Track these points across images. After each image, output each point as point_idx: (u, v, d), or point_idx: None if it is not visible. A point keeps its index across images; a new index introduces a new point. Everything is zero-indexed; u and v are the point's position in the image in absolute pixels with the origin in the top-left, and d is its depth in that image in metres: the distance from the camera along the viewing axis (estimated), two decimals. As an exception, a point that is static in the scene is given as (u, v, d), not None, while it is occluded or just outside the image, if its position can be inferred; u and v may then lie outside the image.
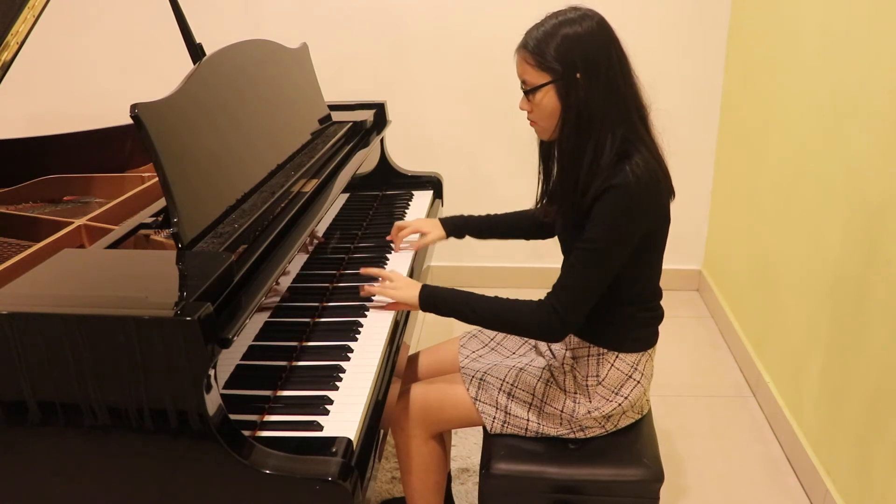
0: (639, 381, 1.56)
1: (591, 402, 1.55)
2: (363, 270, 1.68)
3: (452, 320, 1.54)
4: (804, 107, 2.22)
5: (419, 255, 1.91)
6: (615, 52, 1.40)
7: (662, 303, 1.62)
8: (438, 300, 1.52)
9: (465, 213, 1.91)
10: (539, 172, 1.57)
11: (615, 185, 1.35)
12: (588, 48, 1.37)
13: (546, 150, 1.55)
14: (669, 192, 1.47)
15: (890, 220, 1.70)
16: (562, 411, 1.56)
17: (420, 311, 1.61)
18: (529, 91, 1.43)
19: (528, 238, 1.84)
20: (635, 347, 1.56)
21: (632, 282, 1.50)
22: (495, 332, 1.79)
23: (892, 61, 1.71)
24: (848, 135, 1.93)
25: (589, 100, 1.38)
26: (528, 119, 1.48)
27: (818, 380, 2.07)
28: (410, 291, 1.55)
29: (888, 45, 1.73)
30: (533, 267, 3.33)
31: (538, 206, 1.62)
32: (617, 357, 1.55)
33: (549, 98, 1.41)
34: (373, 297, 1.62)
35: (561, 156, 1.45)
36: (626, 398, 1.56)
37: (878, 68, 1.78)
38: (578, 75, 1.37)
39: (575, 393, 1.56)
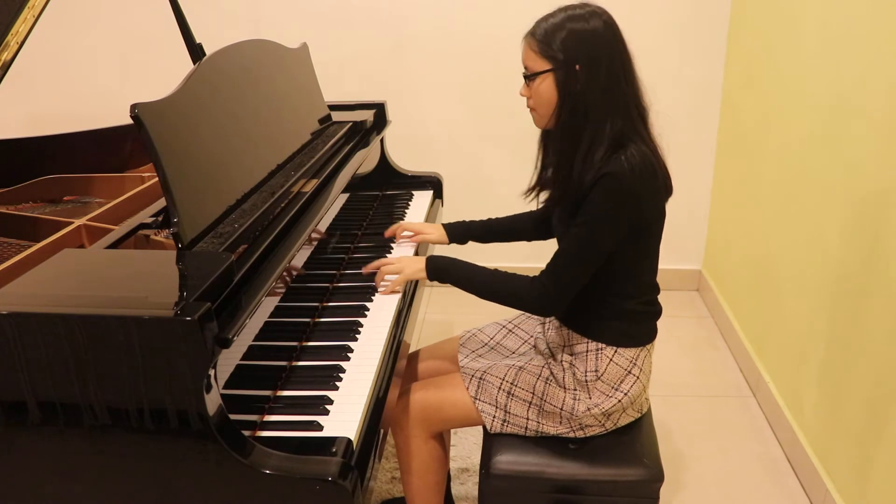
0: (637, 377, 1.57)
1: (590, 398, 1.56)
2: (364, 270, 1.71)
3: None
4: (804, 106, 2.22)
5: (420, 252, 1.91)
6: (618, 52, 1.43)
7: (662, 302, 1.63)
8: (443, 271, 1.61)
9: (466, 215, 1.91)
10: (537, 160, 1.60)
11: (610, 173, 1.40)
12: (592, 44, 1.41)
13: (545, 139, 1.58)
14: (666, 188, 1.51)
15: (890, 220, 1.70)
16: (561, 409, 1.56)
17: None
18: (529, 76, 1.47)
19: (529, 239, 1.85)
20: (634, 342, 1.57)
21: (628, 275, 1.54)
22: (495, 332, 1.80)
23: (892, 60, 1.71)
24: (848, 134, 1.93)
25: (586, 93, 1.42)
26: (528, 105, 1.52)
27: (818, 380, 2.07)
28: (417, 265, 1.64)
29: (888, 44, 1.73)
30: (533, 267, 3.32)
31: (529, 192, 1.64)
32: (615, 352, 1.55)
33: (546, 85, 1.45)
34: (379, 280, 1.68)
35: (557, 144, 1.50)
36: (625, 394, 1.56)
37: (877, 67, 1.78)
38: (578, 67, 1.41)
39: (575, 390, 1.57)
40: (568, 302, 1.51)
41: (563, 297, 1.49)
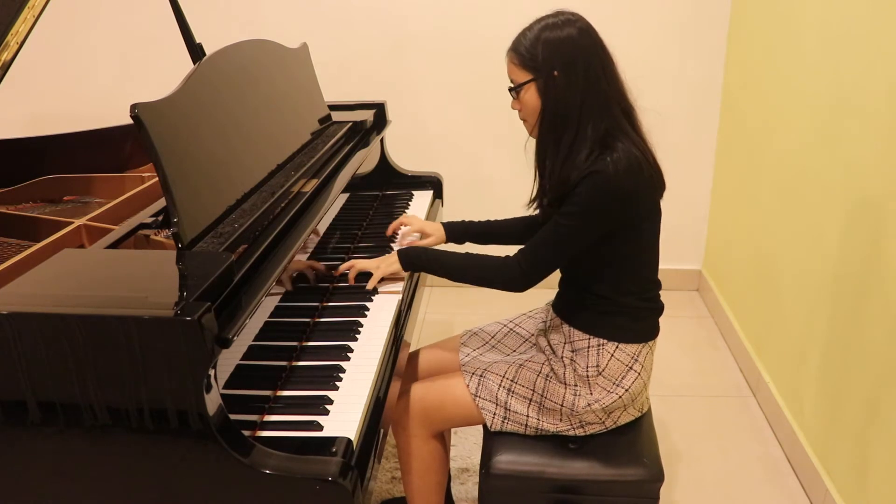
0: (639, 374, 1.57)
1: (591, 393, 1.56)
2: (337, 272, 1.70)
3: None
4: (804, 106, 2.22)
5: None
6: (596, 55, 1.48)
7: (662, 302, 1.63)
8: (416, 259, 1.67)
9: (466, 215, 1.92)
10: (535, 171, 1.62)
11: (594, 171, 1.44)
12: (567, 50, 1.46)
13: (537, 148, 1.60)
14: (658, 184, 1.53)
15: (889, 220, 1.70)
16: (562, 405, 1.57)
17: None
18: (513, 89, 1.53)
19: (524, 243, 1.85)
20: (636, 338, 1.57)
21: (626, 271, 1.56)
22: (496, 331, 1.80)
23: (892, 60, 1.71)
24: (847, 135, 1.93)
25: (566, 96, 1.47)
26: (520, 118, 1.57)
27: (818, 380, 2.07)
28: (390, 260, 1.68)
29: (887, 44, 1.73)
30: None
31: (531, 203, 1.67)
32: (617, 348, 1.56)
33: (530, 94, 1.50)
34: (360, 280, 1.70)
35: (540, 148, 1.55)
36: (626, 390, 1.56)
37: (877, 67, 1.78)
38: (556, 73, 1.46)
39: (575, 385, 1.57)
40: (540, 280, 1.55)
41: (533, 275, 1.54)
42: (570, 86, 1.46)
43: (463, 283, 1.63)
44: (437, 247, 1.79)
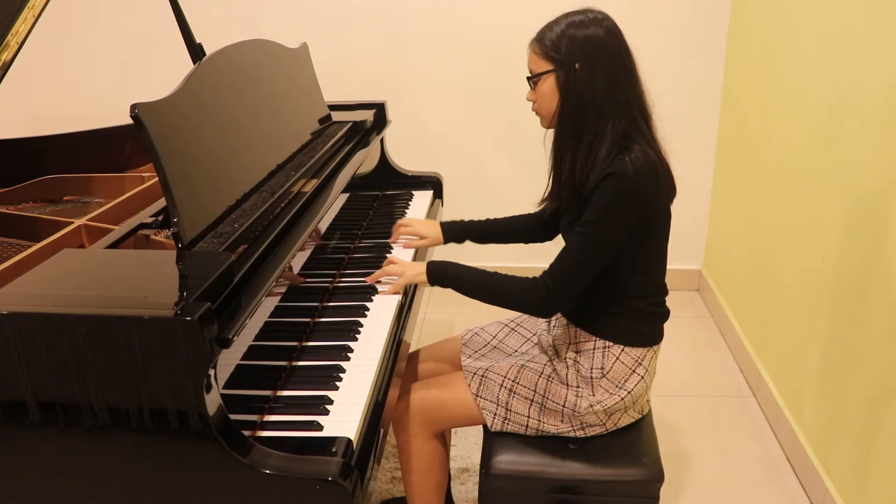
0: (642, 377, 1.57)
1: (594, 395, 1.56)
2: (369, 279, 1.70)
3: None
4: (804, 106, 2.22)
5: (419, 255, 1.91)
6: (620, 56, 1.46)
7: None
8: (443, 275, 1.62)
9: (466, 215, 1.92)
10: (550, 169, 1.61)
11: (613, 174, 1.42)
12: (592, 48, 1.44)
13: (553, 144, 1.59)
14: (670, 189, 1.52)
15: (890, 220, 1.70)
16: (563, 406, 1.57)
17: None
18: (531, 78, 1.51)
19: (527, 241, 1.86)
20: (641, 342, 1.57)
21: (636, 275, 1.55)
22: (497, 331, 1.80)
23: (892, 60, 1.71)
24: (847, 134, 1.93)
25: (586, 92, 1.45)
26: (532, 109, 1.56)
27: (818, 380, 2.07)
28: (417, 269, 1.65)
29: (887, 44, 1.73)
30: (532, 267, 3.31)
31: (544, 200, 1.65)
32: (622, 350, 1.56)
33: (547, 85, 1.49)
34: (381, 280, 1.69)
35: (560, 143, 1.52)
36: (629, 392, 1.56)
37: (877, 67, 1.78)
38: (578, 66, 1.44)
39: (577, 386, 1.57)
40: (571, 302, 1.52)
41: (566, 297, 1.50)
42: (591, 81, 1.44)
43: (491, 304, 1.57)
44: (434, 246, 1.77)
